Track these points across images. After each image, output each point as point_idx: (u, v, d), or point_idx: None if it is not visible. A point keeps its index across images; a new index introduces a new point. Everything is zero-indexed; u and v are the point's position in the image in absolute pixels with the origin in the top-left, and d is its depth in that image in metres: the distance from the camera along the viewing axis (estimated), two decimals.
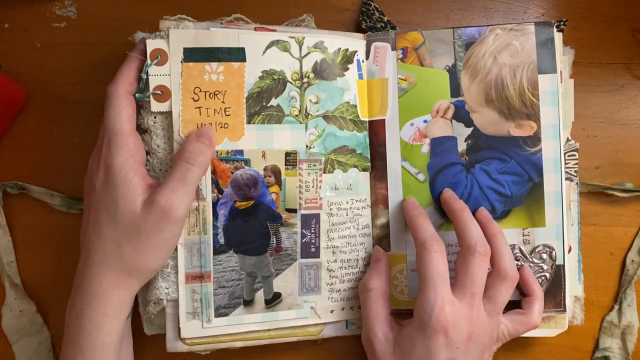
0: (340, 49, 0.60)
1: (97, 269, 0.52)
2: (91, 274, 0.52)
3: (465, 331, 0.53)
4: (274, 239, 0.59)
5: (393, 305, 0.60)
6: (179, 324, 0.56)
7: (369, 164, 0.62)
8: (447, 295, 0.53)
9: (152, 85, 0.54)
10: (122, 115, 0.52)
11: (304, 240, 0.59)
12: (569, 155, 0.62)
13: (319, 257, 0.60)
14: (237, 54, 0.56)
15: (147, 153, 0.56)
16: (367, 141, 0.61)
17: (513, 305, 0.60)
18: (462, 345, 0.53)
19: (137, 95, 0.54)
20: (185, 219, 0.55)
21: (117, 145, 0.52)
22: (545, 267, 0.60)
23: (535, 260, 0.60)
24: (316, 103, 0.59)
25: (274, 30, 0.58)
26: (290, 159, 0.58)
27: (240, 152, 0.57)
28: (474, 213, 0.59)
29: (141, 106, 0.56)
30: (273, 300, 0.59)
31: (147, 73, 0.54)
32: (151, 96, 0.54)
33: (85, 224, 0.54)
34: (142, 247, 0.51)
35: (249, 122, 0.57)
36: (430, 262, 0.54)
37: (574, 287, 0.63)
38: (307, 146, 0.59)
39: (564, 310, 0.61)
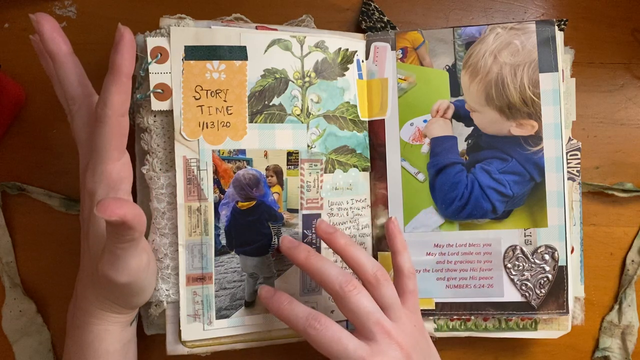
0: (340, 48, 0.60)
1: (89, 292, 0.51)
2: (85, 294, 0.51)
3: (400, 356, 0.50)
4: (276, 240, 0.58)
5: None
6: (179, 326, 0.56)
7: (369, 164, 0.62)
8: (364, 353, 0.49)
9: (152, 84, 0.54)
10: (112, 142, 0.48)
11: (305, 241, 0.59)
12: (571, 155, 0.62)
13: None
14: (238, 53, 0.56)
15: (147, 152, 0.56)
16: (367, 141, 0.61)
17: (518, 307, 0.60)
18: None
19: (137, 94, 0.54)
20: (139, 272, 0.48)
21: (100, 175, 0.48)
22: (547, 268, 0.60)
23: (537, 262, 0.60)
24: (317, 102, 0.59)
25: (275, 30, 0.58)
26: (292, 158, 0.58)
27: (243, 151, 0.56)
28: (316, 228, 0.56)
29: (140, 105, 0.55)
30: None
31: (146, 70, 0.54)
32: (152, 94, 0.54)
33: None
34: (111, 295, 0.50)
35: (251, 121, 0.57)
36: (325, 341, 0.50)
37: (576, 288, 0.63)
38: (308, 146, 0.59)
39: (567, 312, 0.61)
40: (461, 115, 0.61)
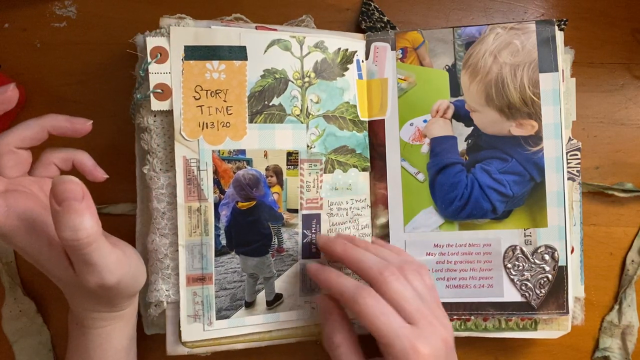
0: (340, 49, 0.60)
1: (87, 313, 0.51)
2: (86, 315, 0.51)
3: (442, 347, 0.49)
4: (276, 240, 0.58)
5: None
6: (179, 326, 0.56)
7: (369, 164, 0.62)
8: (409, 332, 0.48)
9: (152, 84, 0.54)
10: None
11: (305, 241, 0.59)
12: (571, 155, 0.62)
13: (319, 257, 0.60)
14: (238, 53, 0.56)
15: (147, 152, 0.56)
16: (367, 141, 0.61)
17: (518, 307, 0.60)
18: (445, 357, 0.49)
19: (137, 95, 0.54)
20: (122, 264, 0.47)
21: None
22: (547, 268, 0.60)
23: (537, 262, 0.60)
24: (317, 103, 0.59)
25: (275, 30, 0.58)
26: (292, 158, 0.58)
27: (243, 151, 0.56)
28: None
29: (140, 105, 0.55)
30: (274, 301, 0.58)
31: (145, 71, 0.54)
32: (151, 95, 0.54)
33: None
34: (113, 298, 0.49)
35: (251, 122, 0.57)
36: (372, 312, 0.48)
37: (576, 288, 0.63)
38: (308, 146, 0.58)
39: (567, 312, 0.61)
40: (461, 115, 0.61)
